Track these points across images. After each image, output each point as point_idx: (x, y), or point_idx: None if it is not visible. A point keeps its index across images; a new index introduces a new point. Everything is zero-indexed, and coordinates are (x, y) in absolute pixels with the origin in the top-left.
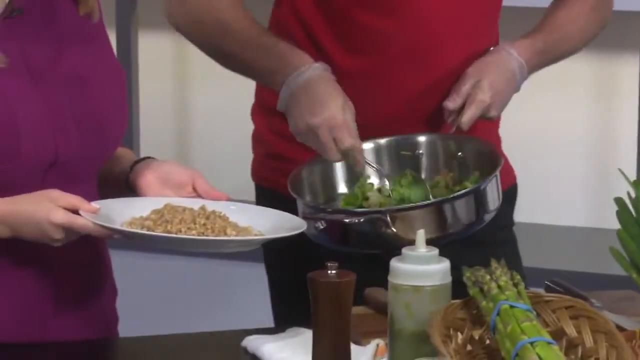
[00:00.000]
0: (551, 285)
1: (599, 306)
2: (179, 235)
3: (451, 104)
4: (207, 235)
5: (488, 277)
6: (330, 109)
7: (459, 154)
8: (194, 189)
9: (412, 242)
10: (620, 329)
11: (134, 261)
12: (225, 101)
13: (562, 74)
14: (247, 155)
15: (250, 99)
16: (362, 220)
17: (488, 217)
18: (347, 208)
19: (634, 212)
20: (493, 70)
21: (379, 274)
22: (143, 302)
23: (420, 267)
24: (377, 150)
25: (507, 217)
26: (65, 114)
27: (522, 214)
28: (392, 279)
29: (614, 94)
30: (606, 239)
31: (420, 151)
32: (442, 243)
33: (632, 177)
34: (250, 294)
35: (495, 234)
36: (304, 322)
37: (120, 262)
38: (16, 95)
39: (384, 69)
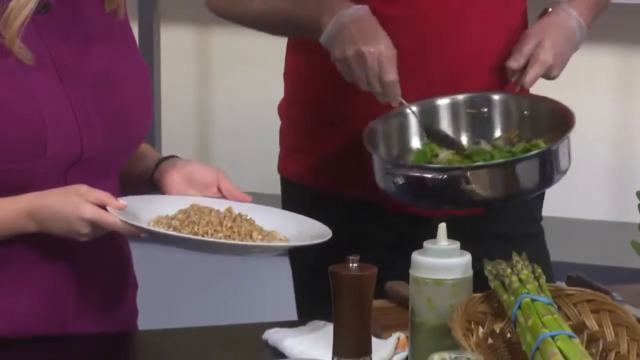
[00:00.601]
0: (572, 278)
1: (620, 300)
2: (205, 238)
3: (514, 63)
4: (233, 239)
5: (509, 270)
6: (382, 42)
7: (525, 112)
8: (219, 190)
9: (486, 199)
10: None
11: (154, 254)
12: (247, 93)
13: (583, 68)
14: (269, 148)
15: (272, 92)
16: (445, 176)
17: (558, 178)
18: (426, 164)
19: None
20: (554, 30)
21: (400, 267)
22: (164, 295)
23: (442, 261)
24: (454, 106)
25: (536, 211)
26: (91, 111)
27: (543, 207)
28: (413, 272)
29: (635, 88)
30: (627, 232)
31: (485, 109)
32: (511, 203)
33: None
34: (273, 287)
35: (525, 228)
36: (327, 316)
37: (140, 255)
38: (43, 93)
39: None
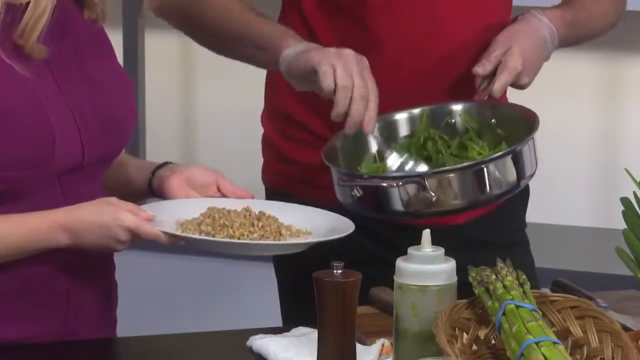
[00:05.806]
0: (557, 285)
1: (605, 306)
2: (253, 241)
3: (481, 69)
4: (267, 238)
5: (494, 276)
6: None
7: (492, 120)
8: (218, 189)
9: (448, 209)
10: (626, 328)
11: (136, 260)
12: (231, 101)
13: (569, 74)
14: (252, 155)
15: (256, 99)
16: (400, 184)
17: (524, 183)
18: (383, 174)
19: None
20: (524, 37)
21: (384, 273)
22: (147, 301)
23: (426, 267)
24: (411, 120)
25: (520, 219)
26: (88, 117)
27: (528, 213)
28: (397, 278)
29: (620, 94)
30: (612, 238)
31: (453, 120)
32: (476, 209)
33: (639, 177)
34: (258, 293)
35: (509, 236)
36: (312, 322)
37: (122, 261)
38: (47, 99)
39: (390, 55)
